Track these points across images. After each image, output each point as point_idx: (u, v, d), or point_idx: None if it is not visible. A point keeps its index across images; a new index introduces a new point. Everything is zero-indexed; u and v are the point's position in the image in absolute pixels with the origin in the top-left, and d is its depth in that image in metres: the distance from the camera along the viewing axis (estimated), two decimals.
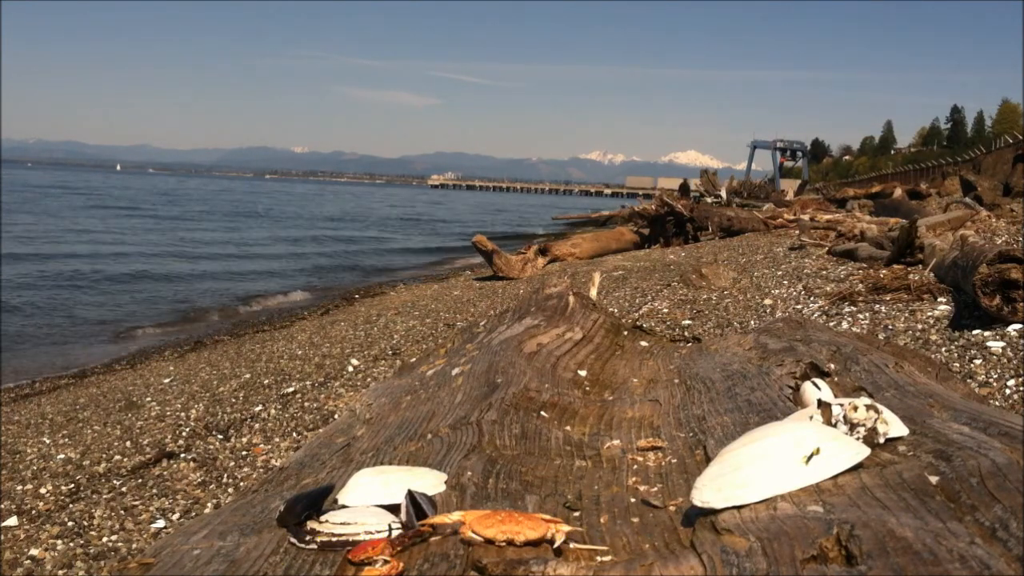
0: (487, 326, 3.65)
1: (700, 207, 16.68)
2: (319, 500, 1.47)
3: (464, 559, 1.17)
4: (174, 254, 21.37)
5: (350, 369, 6.18)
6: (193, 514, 3.50)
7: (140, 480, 4.11)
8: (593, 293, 4.45)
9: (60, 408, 6.29)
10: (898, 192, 21.82)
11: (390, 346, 6.97)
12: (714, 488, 1.25)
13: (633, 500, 1.51)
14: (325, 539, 1.31)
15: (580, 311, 3.52)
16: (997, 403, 3.03)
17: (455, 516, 1.29)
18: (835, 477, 1.24)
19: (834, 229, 10.21)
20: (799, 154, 66.72)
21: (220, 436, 4.74)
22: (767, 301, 6.04)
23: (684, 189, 24.77)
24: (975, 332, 3.84)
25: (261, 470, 3.99)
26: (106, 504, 3.79)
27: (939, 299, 4.70)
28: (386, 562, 1.19)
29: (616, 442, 1.96)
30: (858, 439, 1.36)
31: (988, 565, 0.89)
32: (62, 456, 4.76)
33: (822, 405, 1.48)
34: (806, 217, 14.31)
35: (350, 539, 1.30)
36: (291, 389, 5.71)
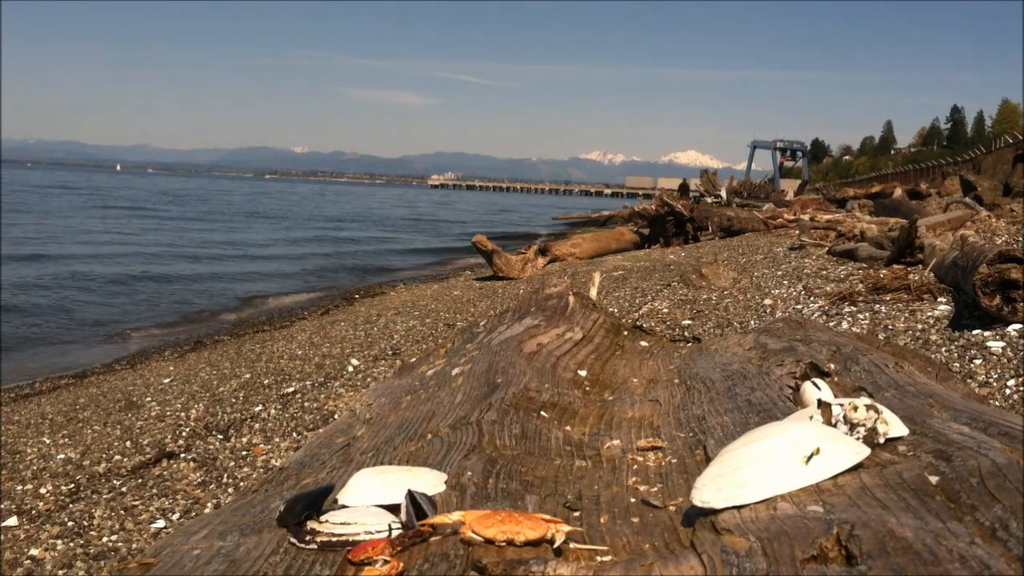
0: (487, 326, 3.65)
1: (700, 207, 16.68)
2: (319, 500, 1.47)
3: (464, 559, 1.17)
4: (175, 254, 21.37)
5: (350, 369, 6.18)
6: (193, 514, 3.50)
7: (140, 480, 4.11)
8: (593, 293, 4.45)
9: (60, 408, 6.29)
10: (898, 192, 21.82)
11: (390, 346, 6.97)
12: (714, 488, 1.25)
13: (633, 500, 1.51)
14: (325, 539, 1.31)
15: (580, 311, 3.52)
16: (997, 403, 3.03)
17: (455, 516, 1.29)
18: (835, 477, 1.24)
19: (834, 229, 10.21)
20: (799, 154, 66.72)
21: (220, 436, 4.74)
22: (767, 301, 6.04)
23: (684, 189, 24.77)
24: (975, 332, 3.84)
25: (261, 470, 3.99)
26: (106, 504, 3.79)
27: (939, 299, 4.70)
28: (386, 562, 1.19)
29: (616, 442, 1.96)
30: (858, 439, 1.36)
31: (988, 565, 0.89)
32: (62, 456, 4.76)
33: (822, 405, 1.48)
34: (806, 217, 14.31)
35: (350, 539, 1.30)
36: (291, 389, 5.71)
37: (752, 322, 5.28)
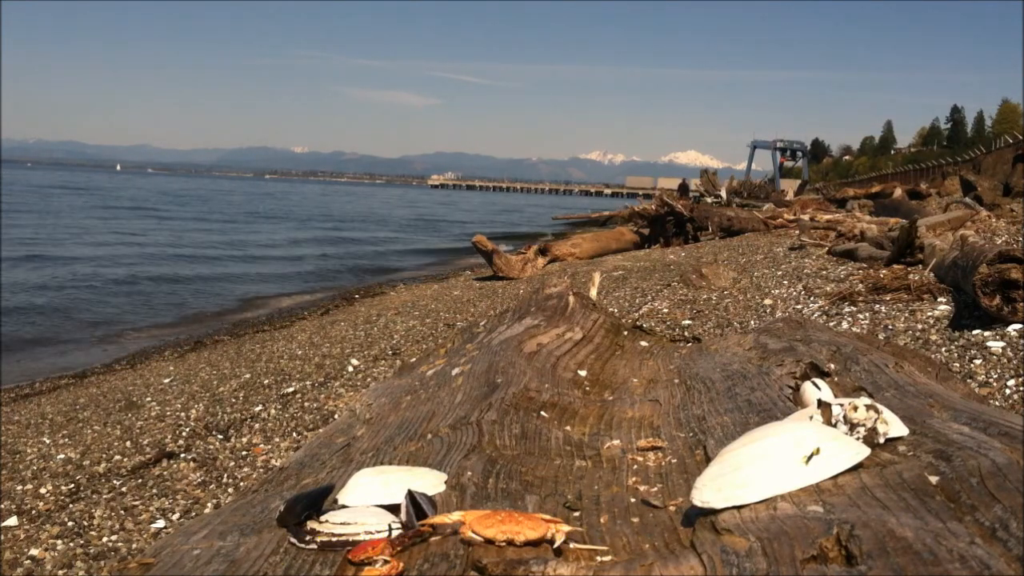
0: (487, 326, 3.65)
1: (700, 207, 16.69)
2: (319, 500, 1.47)
3: (464, 559, 1.17)
4: (175, 254, 21.37)
5: (350, 369, 6.18)
6: (193, 514, 3.50)
7: (140, 480, 4.11)
8: (593, 293, 4.45)
9: (60, 408, 6.29)
10: (898, 192, 21.82)
11: (390, 346, 6.97)
12: (714, 488, 1.25)
13: (633, 500, 1.51)
14: (325, 539, 1.31)
15: (580, 311, 3.51)
16: (997, 403, 3.03)
17: (455, 516, 1.29)
18: (835, 477, 1.24)
19: (834, 229, 10.21)
20: (799, 154, 66.68)
21: (220, 436, 4.74)
22: (767, 301, 6.04)
23: (683, 189, 24.77)
24: (975, 332, 3.84)
25: (261, 470, 3.99)
26: (106, 504, 3.79)
27: (939, 299, 4.70)
28: (386, 562, 1.19)
29: (616, 442, 1.96)
30: (858, 439, 1.36)
31: (988, 565, 0.89)
32: (62, 456, 4.76)
33: (822, 405, 1.48)
34: (806, 217, 14.31)
35: (350, 539, 1.30)
36: (291, 389, 5.71)
37: (752, 322, 5.28)
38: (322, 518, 1.37)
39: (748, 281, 7.16)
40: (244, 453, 4.33)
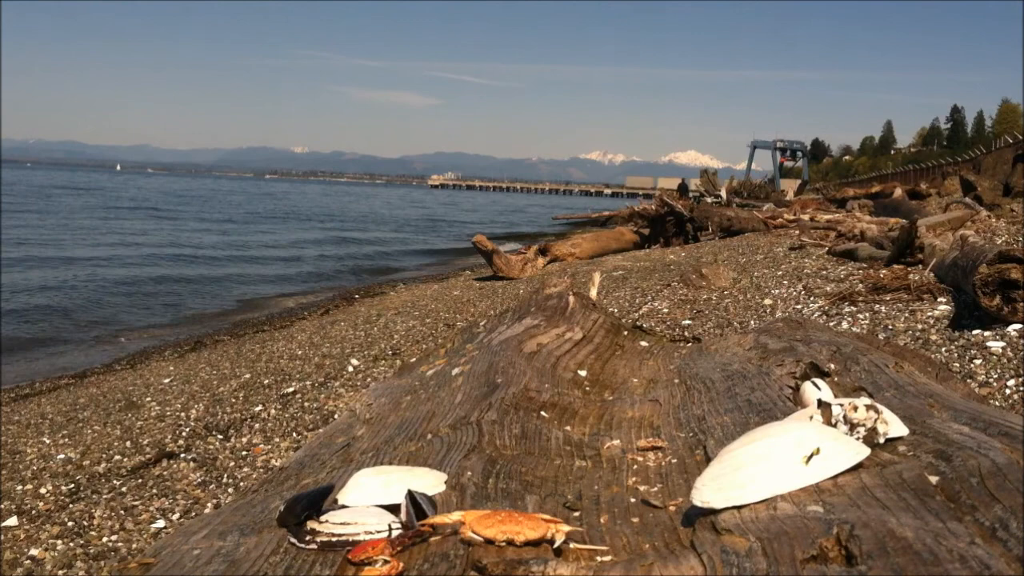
0: (487, 326, 3.65)
1: (700, 207, 16.69)
2: (319, 500, 1.47)
3: (464, 559, 1.17)
4: (175, 255, 21.36)
5: (350, 369, 6.18)
6: (193, 514, 3.50)
7: (140, 480, 4.11)
8: (593, 293, 4.45)
9: (60, 408, 6.29)
10: (898, 192, 21.83)
11: (390, 346, 6.97)
12: (714, 488, 1.25)
13: (633, 500, 1.51)
14: (325, 539, 1.31)
15: (580, 311, 3.51)
16: (997, 403, 3.03)
17: (455, 516, 1.29)
18: (835, 477, 1.24)
19: (834, 229, 10.22)
20: (799, 154, 66.67)
21: (220, 436, 4.74)
22: (767, 301, 6.04)
23: (683, 189, 24.78)
24: (975, 332, 3.84)
25: (261, 470, 3.99)
26: (106, 504, 3.79)
27: (939, 299, 4.70)
28: (386, 562, 1.19)
29: (616, 442, 1.96)
30: (858, 439, 1.36)
31: (988, 565, 0.89)
32: (62, 456, 4.76)
33: (822, 405, 1.48)
34: (806, 217, 14.32)
35: (350, 539, 1.30)
36: (291, 389, 5.71)
37: (752, 322, 5.28)
38: (322, 518, 1.37)
39: (748, 281, 7.16)
40: (244, 453, 4.33)
